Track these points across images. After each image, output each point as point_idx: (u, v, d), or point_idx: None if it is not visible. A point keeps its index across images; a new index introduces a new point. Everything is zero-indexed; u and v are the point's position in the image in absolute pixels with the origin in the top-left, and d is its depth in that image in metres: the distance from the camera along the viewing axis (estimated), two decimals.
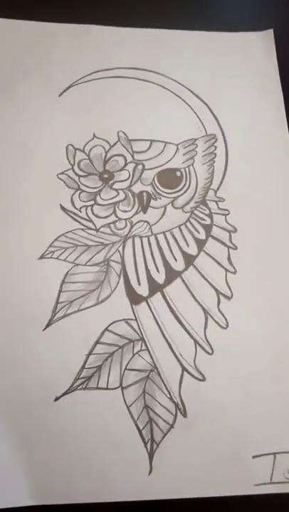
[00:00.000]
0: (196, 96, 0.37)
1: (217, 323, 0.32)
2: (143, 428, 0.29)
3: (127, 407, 0.30)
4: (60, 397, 0.29)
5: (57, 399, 0.29)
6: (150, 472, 0.29)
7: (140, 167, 0.34)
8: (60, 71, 0.37)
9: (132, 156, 0.35)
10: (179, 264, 0.33)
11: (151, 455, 0.29)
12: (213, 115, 0.37)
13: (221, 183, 0.35)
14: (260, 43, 0.40)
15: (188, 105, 0.37)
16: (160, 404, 0.30)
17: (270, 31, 0.40)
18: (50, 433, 0.29)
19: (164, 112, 0.37)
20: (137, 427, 0.29)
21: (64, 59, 0.37)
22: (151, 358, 0.31)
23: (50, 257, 0.32)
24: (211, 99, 0.38)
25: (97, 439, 0.29)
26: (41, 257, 0.32)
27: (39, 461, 0.28)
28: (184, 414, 0.30)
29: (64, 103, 0.36)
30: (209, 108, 0.37)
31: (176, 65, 0.38)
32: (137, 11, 0.40)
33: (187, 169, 0.35)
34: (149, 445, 0.29)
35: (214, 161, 0.36)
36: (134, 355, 0.31)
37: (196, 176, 0.35)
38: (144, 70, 0.38)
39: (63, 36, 0.38)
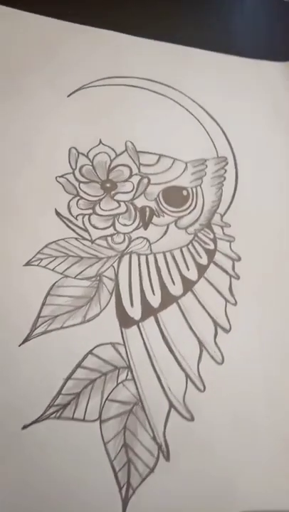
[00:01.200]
0: (211, 117, 0.36)
1: (212, 357, 0.29)
2: (119, 470, 0.26)
3: (104, 443, 0.26)
4: (29, 425, 0.26)
5: (25, 427, 0.26)
6: None
7: (146, 181, 0.32)
8: (72, 71, 0.35)
9: (138, 169, 0.33)
10: (176, 289, 0.30)
11: (125, 502, 0.25)
12: (226, 138, 0.36)
13: (228, 207, 0.33)
14: (279, 73, 0.39)
15: (202, 125, 0.36)
16: (141, 443, 0.27)
17: None
18: (14, 467, 0.25)
19: (176, 127, 0.35)
20: (113, 469, 0.26)
21: (78, 59, 0.36)
22: (137, 389, 0.28)
23: (37, 265, 0.29)
24: (225, 122, 0.36)
25: (67, 479, 0.25)
26: (27, 264, 0.29)
27: (4, 495, 0.24)
28: (167, 458, 0.26)
29: (72, 104, 0.34)
30: (223, 130, 0.36)
31: (194, 83, 0.37)
32: (159, 24, 0.38)
33: (194, 189, 0.33)
34: (124, 490, 0.26)
35: (223, 185, 0.34)
36: (118, 384, 0.28)
37: (202, 197, 0.33)
38: (161, 84, 0.36)
39: (81, 37, 0.36)
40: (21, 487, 0.25)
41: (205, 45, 0.38)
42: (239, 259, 0.32)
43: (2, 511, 0.24)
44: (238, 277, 0.31)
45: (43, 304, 0.28)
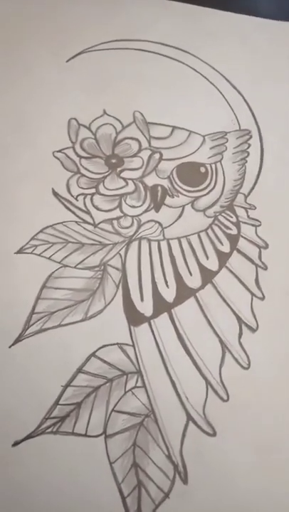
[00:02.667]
0: (233, 86, 0.32)
1: (236, 360, 0.25)
2: (128, 495, 0.22)
3: (110, 463, 0.22)
4: (21, 441, 0.22)
5: (16, 444, 0.22)
6: None
7: (157, 156, 0.28)
8: (72, 33, 0.31)
9: (149, 142, 0.29)
10: (194, 280, 0.26)
11: None
12: (250, 109, 0.31)
13: (253, 187, 0.29)
14: None
15: (222, 94, 0.31)
16: (154, 463, 0.23)
17: None
18: (4, 491, 0.21)
19: (192, 97, 0.31)
20: (121, 493, 0.22)
21: (80, 19, 0.31)
22: (149, 398, 0.24)
23: (31, 253, 0.26)
24: (250, 92, 0.32)
25: (66, 505, 0.21)
26: (19, 251, 0.26)
27: None
28: (185, 481, 0.22)
29: (72, 70, 0.30)
30: (246, 101, 0.32)
31: (214, 49, 0.32)
32: None
33: (214, 166, 0.29)
34: None
35: (246, 161, 0.30)
36: (126, 392, 0.24)
37: (223, 175, 0.29)
38: (176, 48, 0.32)
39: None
40: (14, 507, 0.21)
41: (227, 6, 0.34)
42: (266, 246, 0.28)
43: None
44: (265, 267, 0.27)
45: (38, 297, 0.25)
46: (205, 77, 0.32)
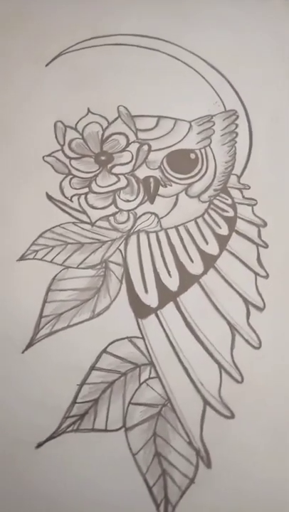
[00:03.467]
0: (213, 68, 0.31)
1: (247, 341, 0.25)
2: (154, 484, 0.22)
3: (133, 455, 0.23)
4: (44, 442, 0.23)
5: (39, 445, 0.22)
6: None
7: (145, 148, 0.28)
8: (49, 37, 0.31)
9: (136, 135, 0.29)
10: (196, 267, 0.26)
11: None
12: (234, 89, 0.31)
13: (245, 167, 0.29)
14: (286, 13, 0.34)
15: (204, 78, 0.31)
16: (176, 450, 0.23)
17: None
18: (32, 491, 0.22)
19: (173, 84, 0.31)
20: (146, 483, 0.22)
21: (55, 23, 0.31)
22: (164, 387, 0.24)
23: (33, 258, 0.26)
24: (232, 73, 0.32)
25: (93, 498, 0.22)
26: (21, 258, 0.26)
27: None
28: (208, 465, 0.23)
29: (52, 74, 0.30)
30: (229, 82, 0.31)
31: (190, 33, 0.32)
32: None
33: (203, 150, 0.29)
34: (162, 508, 0.22)
35: (236, 142, 0.29)
36: (141, 384, 0.24)
37: (214, 158, 0.29)
38: (151, 38, 0.32)
39: (58, 1, 0.32)
40: (43, 510, 0.21)
41: None
42: (265, 224, 0.28)
43: None
44: (266, 245, 0.27)
45: (44, 301, 0.25)
46: (184, 62, 0.31)
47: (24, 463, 0.22)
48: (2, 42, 0.30)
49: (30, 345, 0.24)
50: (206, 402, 0.24)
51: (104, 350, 0.24)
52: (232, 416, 0.23)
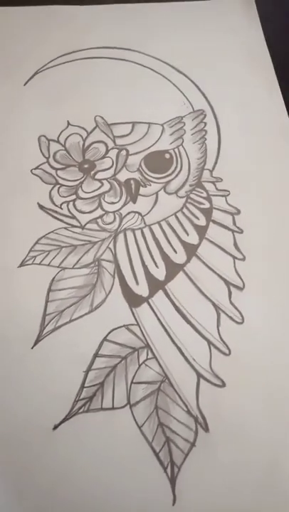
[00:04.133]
0: (178, 71, 0.34)
1: (231, 318, 0.28)
2: (160, 450, 0.25)
3: (139, 427, 0.25)
4: (60, 424, 0.25)
5: (56, 427, 0.25)
6: (174, 502, 0.24)
7: (124, 153, 0.31)
8: (22, 58, 0.33)
9: (114, 142, 0.31)
10: (179, 256, 0.29)
11: (173, 481, 0.25)
12: (199, 90, 0.34)
13: (216, 162, 0.32)
14: (241, 10, 0.36)
15: (171, 81, 0.34)
16: (177, 419, 0.26)
17: None
18: (52, 467, 0.25)
19: (143, 91, 0.33)
20: (153, 450, 0.25)
21: (27, 44, 0.34)
22: (161, 366, 0.27)
23: (32, 263, 0.28)
24: (195, 74, 0.34)
25: (108, 470, 0.25)
26: (21, 265, 0.28)
27: (41, 502, 0.24)
28: (206, 429, 0.26)
29: (31, 92, 0.33)
30: (194, 83, 0.34)
31: (153, 40, 0.35)
32: None
33: (177, 150, 0.31)
34: (169, 470, 0.25)
35: (206, 139, 0.32)
36: (140, 365, 0.27)
37: (187, 156, 0.31)
38: (118, 48, 0.34)
39: (24, 20, 0.34)
40: (63, 482, 0.24)
41: None
42: (238, 212, 0.30)
43: (47, 505, 0.23)
44: (241, 231, 0.30)
45: (47, 301, 0.28)
46: (151, 69, 0.34)
47: (42, 444, 0.25)
48: None
49: (38, 341, 0.27)
50: (199, 375, 0.26)
51: (105, 339, 0.27)
52: (223, 385, 0.26)
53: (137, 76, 0.34)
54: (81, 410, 0.26)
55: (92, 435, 0.25)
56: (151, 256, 0.29)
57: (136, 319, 0.27)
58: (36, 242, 0.29)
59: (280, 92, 0.34)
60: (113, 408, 0.26)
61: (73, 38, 0.34)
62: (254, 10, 0.37)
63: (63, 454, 0.25)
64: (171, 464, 0.25)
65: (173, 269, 0.29)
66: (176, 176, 0.31)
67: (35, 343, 0.27)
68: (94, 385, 0.26)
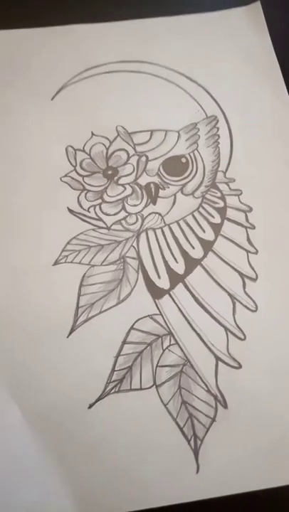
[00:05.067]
0: (191, 80, 0.36)
1: (245, 306, 0.30)
2: (184, 425, 0.28)
3: (164, 405, 0.28)
4: (94, 403, 0.28)
5: (91, 406, 0.28)
6: (198, 470, 0.27)
7: (144, 159, 0.34)
8: (48, 75, 0.36)
9: (134, 149, 0.34)
10: (197, 252, 0.32)
11: (196, 452, 0.28)
12: (211, 97, 0.36)
13: (228, 163, 0.34)
14: (249, 18, 0.39)
15: (184, 90, 0.36)
16: (198, 398, 0.29)
17: (258, 3, 0.39)
18: (88, 443, 0.28)
19: (160, 100, 0.36)
20: (178, 425, 0.28)
21: (48, 63, 0.37)
22: (182, 351, 0.29)
23: (65, 262, 0.31)
24: (207, 81, 0.36)
25: (138, 443, 0.28)
26: (55, 263, 0.31)
27: (80, 475, 0.27)
28: (225, 406, 0.28)
29: (58, 106, 0.35)
30: (206, 90, 0.36)
31: (166, 52, 0.37)
32: (114, 5, 0.39)
33: (192, 154, 0.34)
34: (192, 442, 0.28)
35: (219, 143, 0.35)
36: (164, 350, 0.29)
37: (202, 159, 0.34)
38: (134, 62, 0.37)
39: (44, 40, 0.37)
40: (99, 456, 0.27)
41: (167, 12, 0.38)
42: (250, 209, 0.33)
43: (85, 479, 0.27)
44: (253, 227, 0.32)
45: (79, 295, 0.30)
46: (166, 79, 0.36)
47: (78, 422, 0.28)
48: (7, 89, 0.36)
49: (72, 330, 0.30)
50: (217, 358, 0.29)
51: (132, 328, 0.30)
52: (240, 366, 0.29)
53: (153, 86, 0.36)
54: (113, 391, 0.29)
55: (123, 413, 0.28)
56: (171, 252, 0.32)
57: (159, 310, 0.30)
58: (68, 243, 0.32)
59: (287, 96, 0.36)
60: (141, 389, 0.29)
61: (92, 55, 0.37)
62: (261, 17, 0.39)
63: (97, 430, 0.28)
64: (194, 437, 0.28)
65: (191, 263, 0.31)
66: (192, 178, 0.33)
67: (70, 333, 0.30)
68: (123, 369, 0.29)
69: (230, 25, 0.38)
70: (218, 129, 0.35)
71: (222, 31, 0.38)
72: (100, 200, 0.33)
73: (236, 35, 0.38)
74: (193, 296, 0.31)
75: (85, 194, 0.33)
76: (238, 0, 0.39)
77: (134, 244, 0.32)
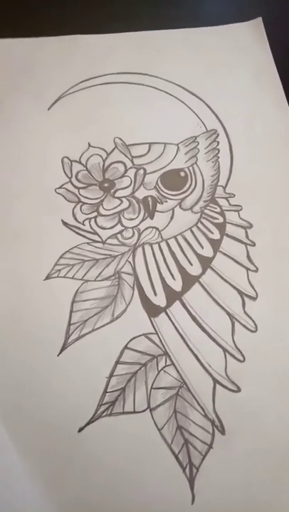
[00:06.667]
0: (191, 93, 0.36)
1: (245, 326, 0.29)
2: (179, 452, 0.27)
3: (159, 430, 0.27)
4: (84, 427, 0.27)
5: (81, 430, 0.27)
6: (193, 501, 0.26)
7: (141, 172, 0.33)
8: (46, 85, 0.36)
9: (132, 162, 0.33)
10: (195, 269, 0.30)
11: (191, 481, 0.26)
12: (212, 110, 0.36)
13: (228, 178, 0.33)
14: (250, 33, 0.38)
15: (185, 103, 0.36)
16: (194, 423, 0.27)
17: (259, 19, 0.39)
18: (78, 468, 0.26)
19: (159, 113, 0.35)
20: (172, 451, 0.27)
21: (49, 72, 0.36)
22: (178, 372, 0.28)
23: (57, 277, 0.30)
24: (207, 95, 0.36)
25: (130, 470, 0.26)
26: (47, 278, 0.30)
27: (69, 502, 0.25)
28: (222, 432, 0.27)
29: (54, 116, 0.35)
30: (206, 104, 0.36)
31: (167, 65, 0.37)
32: (118, 16, 0.39)
33: (191, 168, 0.33)
34: (188, 470, 0.26)
35: (218, 157, 0.34)
36: (159, 371, 0.28)
37: (201, 174, 0.33)
38: (134, 74, 0.36)
39: (46, 50, 0.37)
40: (88, 485, 0.26)
41: (169, 25, 0.38)
42: (251, 226, 0.32)
43: (74, 506, 0.25)
44: (253, 244, 0.31)
45: (71, 311, 0.29)
46: (166, 92, 0.36)
47: (68, 447, 0.27)
48: (8, 97, 0.35)
49: (63, 348, 0.28)
50: (215, 381, 0.28)
51: (126, 347, 0.28)
52: (238, 390, 0.28)
53: (152, 99, 0.36)
54: (104, 414, 0.27)
55: (115, 438, 0.27)
56: (168, 268, 0.31)
57: (154, 328, 0.29)
58: (61, 257, 0.31)
59: (288, 109, 0.36)
60: (134, 412, 0.27)
61: (92, 65, 0.36)
62: (263, 32, 0.39)
63: (88, 456, 0.26)
64: (190, 465, 0.26)
65: (189, 280, 0.30)
66: (191, 192, 0.33)
67: (61, 351, 0.28)
68: (116, 390, 0.28)
69: (233, 40, 0.38)
70: (218, 143, 0.34)
71: (224, 45, 0.38)
72: (95, 213, 0.32)
73: (238, 49, 0.38)
74: (190, 314, 0.29)
75: (80, 207, 0.32)
76: (240, 16, 0.39)
77: (130, 260, 0.31)
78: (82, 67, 0.36)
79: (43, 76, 0.36)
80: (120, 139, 0.34)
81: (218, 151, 0.34)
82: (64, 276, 0.30)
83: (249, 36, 0.38)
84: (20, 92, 0.35)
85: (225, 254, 0.31)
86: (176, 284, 0.30)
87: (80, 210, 0.32)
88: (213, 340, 0.29)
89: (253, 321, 0.29)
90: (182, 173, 0.33)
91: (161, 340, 0.29)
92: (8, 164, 0.33)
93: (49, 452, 0.26)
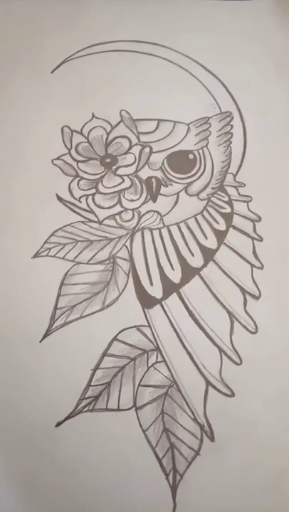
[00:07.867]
0: (208, 71, 0.33)
1: (244, 327, 0.27)
2: (163, 456, 0.25)
3: (143, 431, 0.25)
4: (63, 422, 0.25)
5: (58, 424, 0.25)
6: (174, 510, 0.24)
7: (147, 150, 0.30)
8: (51, 46, 0.33)
9: (138, 138, 0.30)
10: (196, 260, 0.28)
11: (174, 489, 0.24)
12: (228, 91, 0.33)
13: (240, 166, 0.31)
14: (274, 11, 0.35)
15: (200, 81, 0.33)
16: (182, 426, 0.25)
17: None
18: (54, 466, 0.24)
19: (171, 88, 0.32)
20: (156, 456, 0.25)
21: (57, 34, 0.33)
22: (170, 370, 0.26)
23: (46, 255, 0.28)
24: (225, 75, 0.33)
25: (109, 472, 0.24)
26: (36, 256, 0.28)
27: (43, 501, 0.23)
28: (211, 438, 0.25)
29: (57, 81, 0.32)
30: (223, 84, 0.33)
31: (184, 38, 0.34)
32: None
33: (201, 151, 0.31)
34: (171, 477, 0.24)
35: (231, 142, 0.31)
36: (148, 368, 0.26)
37: (211, 158, 0.31)
38: (148, 43, 0.33)
39: (55, 10, 0.34)
40: (62, 485, 0.24)
41: None
42: (259, 219, 0.30)
43: (48, 505, 0.23)
44: (261, 239, 0.29)
45: (59, 295, 0.27)
46: (180, 66, 0.33)
47: (44, 442, 0.25)
48: (8, 59, 0.32)
49: (46, 335, 0.26)
50: (208, 383, 0.26)
51: (115, 338, 0.26)
52: (232, 394, 0.26)
53: (165, 72, 0.33)
54: (86, 409, 0.25)
55: (96, 435, 0.25)
56: (168, 257, 0.28)
57: (148, 321, 0.27)
58: (52, 234, 0.28)
59: None
60: (118, 409, 0.25)
61: (102, 30, 0.33)
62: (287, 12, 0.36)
63: (65, 452, 0.25)
64: (174, 472, 0.24)
65: (189, 272, 0.28)
66: (199, 177, 0.30)
67: (44, 337, 0.26)
68: (100, 384, 0.26)
69: (254, 17, 0.35)
70: (231, 126, 0.32)
71: (245, 22, 0.35)
72: (93, 190, 0.29)
73: (260, 29, 0.35)
74: (187, 309, 0.27)
75: (78, 181, 0.29)
76: None
77: (128, 244, 0.28)
78: (91, 31, 0.33)
79: (48, 37, 0.33)
80: (127, 112, 0.31)
81: (231, 135, 0.31)
82: (54, 256, 0.28)
83: (273, 14, 0.35)
84: (21, 54, 0.32)
85: (229, 247, 0.29)
86: (175, 275, 0.28)
87: (78, 185, 0.29)
88: (210, 338, 0.27)
89: (254, 321, 0.27)
90: (191, 156, 0.30)
91: (153, 334, 0.27)
92: (3, 132, 0.30)
93: (24, 448, 0.24)
